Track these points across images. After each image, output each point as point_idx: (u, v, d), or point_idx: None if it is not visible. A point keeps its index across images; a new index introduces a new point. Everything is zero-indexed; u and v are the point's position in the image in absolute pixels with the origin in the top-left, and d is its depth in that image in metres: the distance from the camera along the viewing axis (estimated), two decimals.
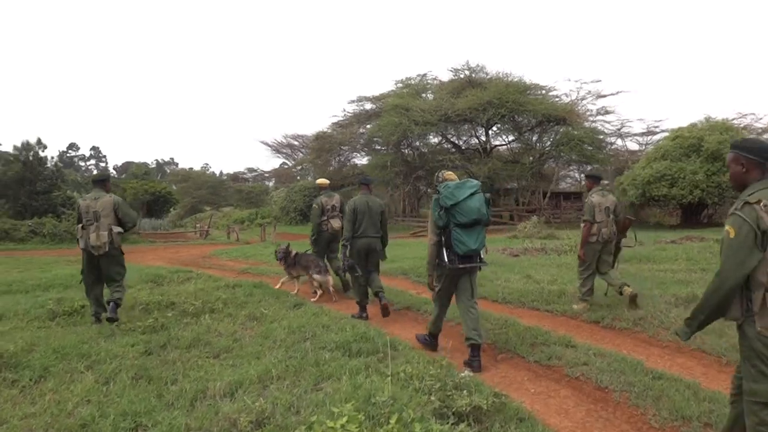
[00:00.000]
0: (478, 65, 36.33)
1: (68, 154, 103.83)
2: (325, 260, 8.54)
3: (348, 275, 7.14)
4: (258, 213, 49.32)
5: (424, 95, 38.46)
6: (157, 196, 42.60)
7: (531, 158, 36.14)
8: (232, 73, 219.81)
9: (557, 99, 35.84)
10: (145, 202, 41.85)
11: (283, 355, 4.75)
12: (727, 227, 2.60)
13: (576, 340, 5.50)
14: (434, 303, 5.36)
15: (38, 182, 34.07)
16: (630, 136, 41.46)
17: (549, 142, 35.89)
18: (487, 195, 4.99)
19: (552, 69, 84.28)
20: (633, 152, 42.07)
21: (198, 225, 40.60)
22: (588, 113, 36.52)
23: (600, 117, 36.73)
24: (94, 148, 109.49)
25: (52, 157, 36.87)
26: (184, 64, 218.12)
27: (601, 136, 35.69)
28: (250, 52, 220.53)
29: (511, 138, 38.17)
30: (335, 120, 44.24)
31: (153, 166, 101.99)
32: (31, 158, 36.48)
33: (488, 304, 7.67)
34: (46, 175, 34.87)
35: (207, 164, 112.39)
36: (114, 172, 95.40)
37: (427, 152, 38.19)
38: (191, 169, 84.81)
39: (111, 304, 6.17)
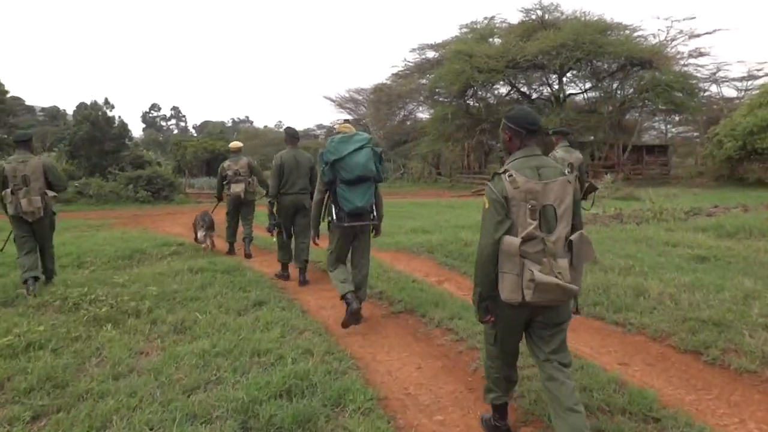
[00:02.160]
0: (552, 4, 32.73)
1: (150, 114, 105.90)
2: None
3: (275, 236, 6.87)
4: None
5: (491, 40, 35.13)
6: (216, 154, 41.79)
7: (610, 107, 32.38)
8: (304, 26, 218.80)
9: (642, 39, 31.68)
10: (204, 161, 41.20)
11: None
12: (484, 198, 2.61)
13: (661, 397, 3.20)
14: (328, 268, 4.91)
15: (106, 142, 33.70)
16: (727, 81, 36.51)
17: (631, 89, 31.96)
18: (379, 149, 4.71)
19: (638, 4, 76.10)
20: (729, 99, 37.14)
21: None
22: (678, 56, 32.31)
23: (692, 60, 32.60)
24: (174, 108, 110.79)
25: (119, 116, 36.49)
26: (259, 21, 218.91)
27: (694, 81, 31.30)
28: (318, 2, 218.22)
29: (587, 85, 34.38)
30: (395, 71, 41.67)
31: (229, 124, 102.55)
32: (99, 117, 36.31)
33: None
34: (113, 134, 34.56)
35: (280, 122, 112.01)
36: (193, 131, 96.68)
37: (493, 103, 35.02)
38: (265, 126, 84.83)
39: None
